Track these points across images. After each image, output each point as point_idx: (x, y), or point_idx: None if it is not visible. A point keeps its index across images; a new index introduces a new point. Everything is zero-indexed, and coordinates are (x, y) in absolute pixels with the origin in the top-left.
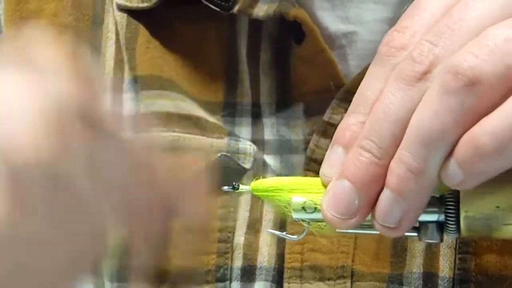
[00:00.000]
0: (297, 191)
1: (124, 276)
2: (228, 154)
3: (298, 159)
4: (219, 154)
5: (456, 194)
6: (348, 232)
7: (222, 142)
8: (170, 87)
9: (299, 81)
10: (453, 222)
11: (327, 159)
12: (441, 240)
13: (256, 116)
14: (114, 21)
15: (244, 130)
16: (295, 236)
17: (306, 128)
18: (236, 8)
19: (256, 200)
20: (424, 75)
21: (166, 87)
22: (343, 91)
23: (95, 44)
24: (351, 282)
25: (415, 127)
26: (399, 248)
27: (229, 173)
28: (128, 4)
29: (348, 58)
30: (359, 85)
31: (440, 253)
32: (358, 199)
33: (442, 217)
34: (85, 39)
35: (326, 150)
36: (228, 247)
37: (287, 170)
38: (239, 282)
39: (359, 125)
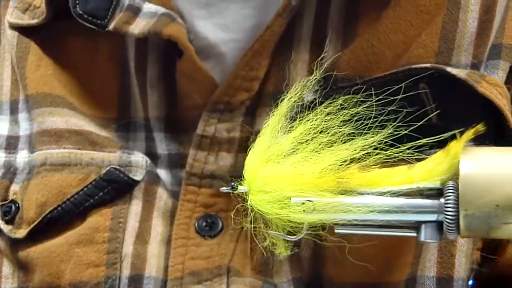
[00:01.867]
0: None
1: None
2: (118, 167)
3: None
4: (108, 167)
5: (455, 194)
6: (347, 233)
7: (113, 156)
8: (61, 104)
9: (183, 95)
10: (452, 222)
11: None
12: (440, 239)
13: (149, 131)
14: (8, 42)
15: (139, 145)
16: (294, 237)
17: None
18: (111, 26)
19: (147, 211)
20: None
21: (56, 104)
22: (211, 103)
23: None
24: (228, 279)
25: None
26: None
27: (118, 186)
28: (20, 21)
29: (228, 65)
30: (227, 95)
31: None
32: None
33: (441, 217)
34: None
35: (204, 163)
36: (116, 257)
37: (177, 185)
38: None
39: None
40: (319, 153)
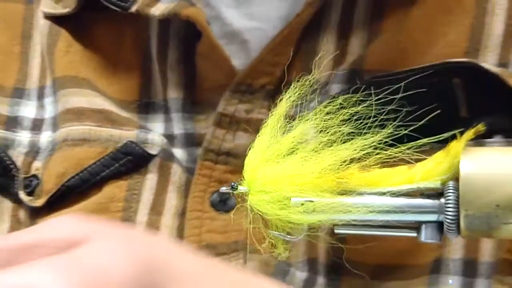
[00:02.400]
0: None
1: None
2: (134, 141)
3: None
4: (124, 141)
5: (455, 194)
6: (346, 233)
7: (131, 133)
8: (85, 86)
9: (202, 77)
10: (453, 222)
11: None
12: (440, 240)
13: (167, 112)
14: (40, 33)
15: (158, 126)
16: (294, 237)
17: (209, 122)
18: (134, 8)
19: (161, 185)
20: None
21: (81, 86)
22: (235, 83)
23: (25, 57)
24: (244, 254)
25: None
26: None
27: (134, 158)
28: (53, 11)
29: (250, 52)
30: (250, 77)
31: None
32: None
33: (441, 217)
34: (16, 55)
35: (222, 140)
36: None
37: (192, 163)
38: None
39: None
40: (318, 153)
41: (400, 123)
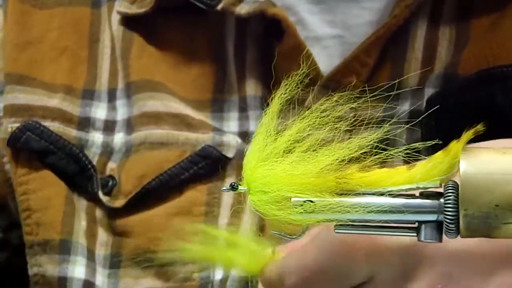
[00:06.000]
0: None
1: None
2: (211, 145)
3: None
4: (203, 145)
5: (455, 194)
6: (348, 233)
7: (207, 136)
8: (160, 89)
9: (281, 76)
10: (452, 222)
11: None
12: (440, 240)
13: (243, 111)
14: (110, 37)
15: (232, 124)
16: (294, 237)
17: None
18: (220, 6)
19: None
20: None
21: (156, 89)
22: (325, 79)
23: (93, 60)
24: None
25: None
26: None
27: (212, 162)
28: (128, 11)
29: (333, 57)
30: (339, 75)
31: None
32: None
33: (441, 217)
34: (84, 58)
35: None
36: None
37: None
38: None
39: None
40: (317, 152)
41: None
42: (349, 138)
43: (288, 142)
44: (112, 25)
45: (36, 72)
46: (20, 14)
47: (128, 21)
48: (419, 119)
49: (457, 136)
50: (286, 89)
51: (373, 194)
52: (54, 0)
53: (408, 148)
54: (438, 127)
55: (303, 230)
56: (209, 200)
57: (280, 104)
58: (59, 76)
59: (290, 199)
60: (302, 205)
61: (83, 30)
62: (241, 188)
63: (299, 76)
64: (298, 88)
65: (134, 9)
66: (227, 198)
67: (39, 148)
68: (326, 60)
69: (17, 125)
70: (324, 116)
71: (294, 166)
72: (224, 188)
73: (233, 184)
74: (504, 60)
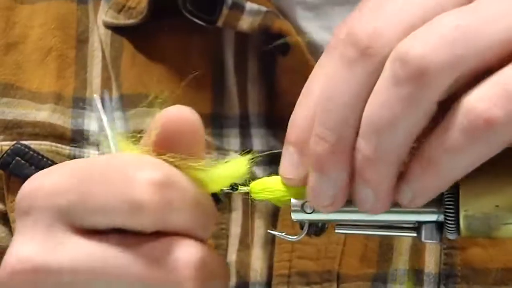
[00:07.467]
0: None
1: None
2: None
3: None
4: None
5: (455, 194)
6: (346, 233)
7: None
8: (157, 104)
9: (284, 92)
10: (452, 222)
11: (283, 160)
12: (440, 240)
13: (244, 127)
14: (99, 39)
15: (233, 142)
16: (294, 237)
17: None
18: (221, 22)
19: (247, 215)
20: (366, 50)
21: (152, 105)
22: None
23: (82, 63)
24: (337, 285)
25: (366, 117)
26: (385, 247)
27: None
28: (115, 21)
29: None
30: None
31: (426, 249)
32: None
33: (441, 217)
34: (71, 59)
35: None
36: None
37: None
38: None
39: (305, 119)
40: None
41: None
42: None
43: None
44: (99, 27)
45: (23, 80)
46: (5, 10)
47: (116, 28)
48: None
49: None
50: None
51: None
52: None
53: None
54: None
55: (303, 230)
56: (216, 232)
57: None
58: (47, 82)
59: (290, 199)
60: (303, 205)
61: (69, 28)
62: (241, 188)
63: None
64: None
65: (122, 20)
66: (235, 227)
67: (29, 175)
68: None
69: (6, 143)
70: None
71: None
72: (225, 188)
73: (232, 185)
74: None
